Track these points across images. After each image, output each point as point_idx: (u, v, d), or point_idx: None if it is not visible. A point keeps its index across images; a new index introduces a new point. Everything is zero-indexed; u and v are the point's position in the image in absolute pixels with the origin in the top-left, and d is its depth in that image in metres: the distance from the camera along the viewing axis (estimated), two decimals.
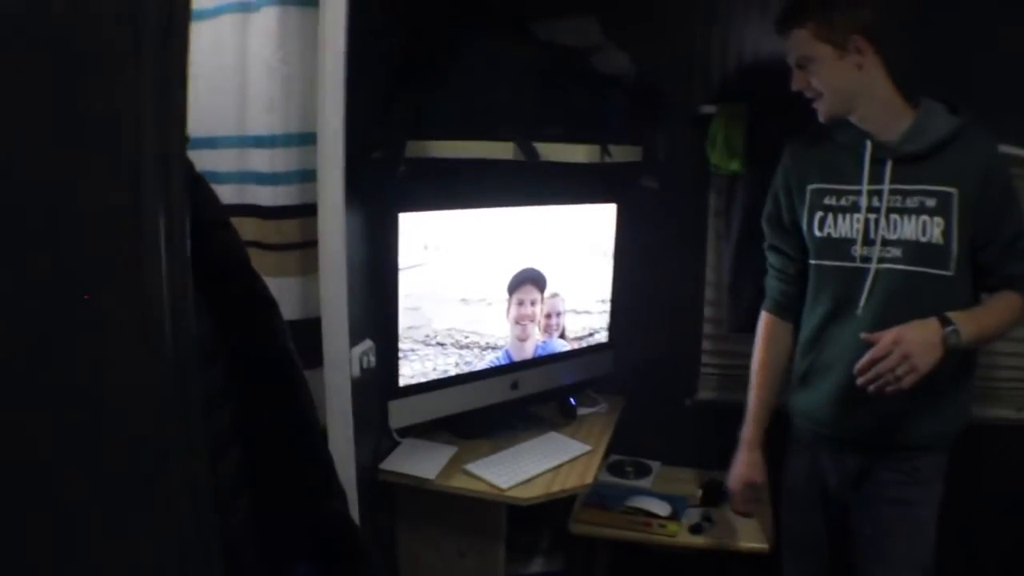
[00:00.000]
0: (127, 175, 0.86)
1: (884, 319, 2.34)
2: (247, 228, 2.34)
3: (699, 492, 3.29)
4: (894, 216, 2.39)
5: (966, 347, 2.29)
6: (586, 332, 3.34)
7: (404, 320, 2.72)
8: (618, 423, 3.29)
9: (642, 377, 3.49)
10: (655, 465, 3.52)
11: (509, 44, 2.71)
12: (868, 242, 2.42)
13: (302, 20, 2.29)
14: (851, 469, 2.56)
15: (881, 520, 2.52)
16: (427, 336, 2.81)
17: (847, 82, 2.37)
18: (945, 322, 2.24)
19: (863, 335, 2.29)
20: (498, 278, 2.97)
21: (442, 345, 2.86)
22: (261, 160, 2.36)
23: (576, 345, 3.32)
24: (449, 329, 2.87)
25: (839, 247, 2.48)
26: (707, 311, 3.52)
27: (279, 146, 2.34)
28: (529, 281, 3.04)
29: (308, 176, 2.35)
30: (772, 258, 2.73)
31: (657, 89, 3.17)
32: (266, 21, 2.29)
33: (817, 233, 2.51)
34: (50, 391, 0.87)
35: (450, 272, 2.83)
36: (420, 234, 2.69)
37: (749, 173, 3.15)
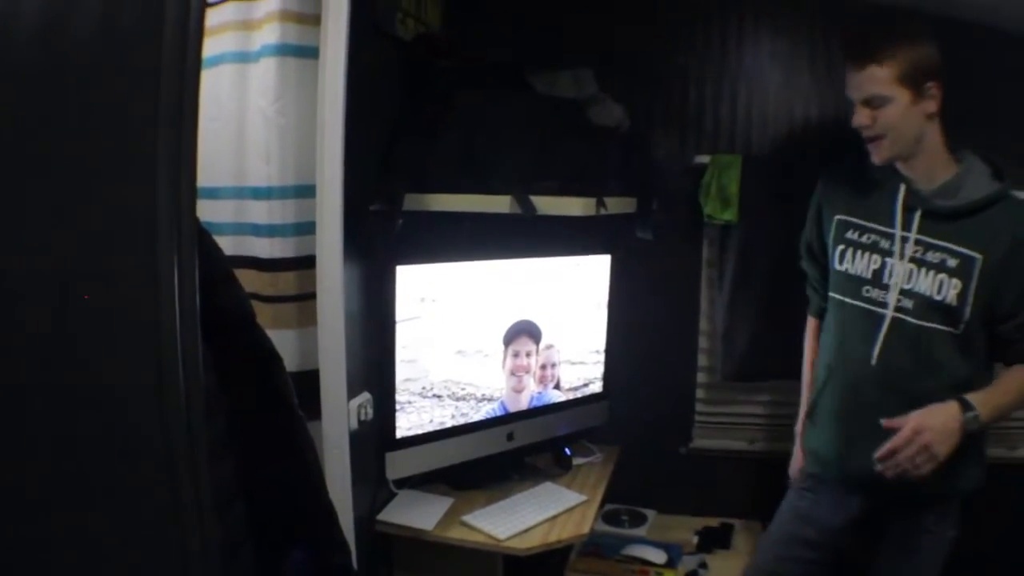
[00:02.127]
0: (143, 229, 0.87)
1: (896, 371, 2.37)
2: (245, 280, 2.32)
3: (695, 539, 3.30)
4: (912, 266, 2.35)
5: (984, 428, 2.28)
6: (581, 382, 3.34)
7: (401, 372, 2.72)
8: (613, 472, 3.28)
9: (637, 426, 3.49)
10: (650, 513, 3.51)
11: (507, 97, 2.73)
12: (881, 286, 2.40)
13: (300, 71, 2.30)
14: (855, 512, 2.55)
15: (883, 568, 2.52)
16: (424, 388, 2.81)
17: (914, 128, 2.30)
18: (965, 407, 2.21)
19: (884, 422, 2.27)
20: (494, 330, 2.97)
21: (439, 397, 2.86)
22: (259, 212, 2.37)
23: (571, 395, 3.31)
24: (445, 381, 2.87)
25: (854, 284, 2.47)
26: (701, 360, 3.53)
27: (276, 198, 2.34)
28: (524, 333, 3.04)
29: (305, 228, 2.36)
30: (808, 270, 2.75)
31: (651, 140, 3.19)
32: (264, 71, 2.30)
33: (837, 266, 2.52)
34: (64, 444, 0.87)
35: (446, 324, 2.83)
36: (417, 286, 2.70)
37: (742, 223, 3.17)
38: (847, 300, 2.49)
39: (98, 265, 0.87)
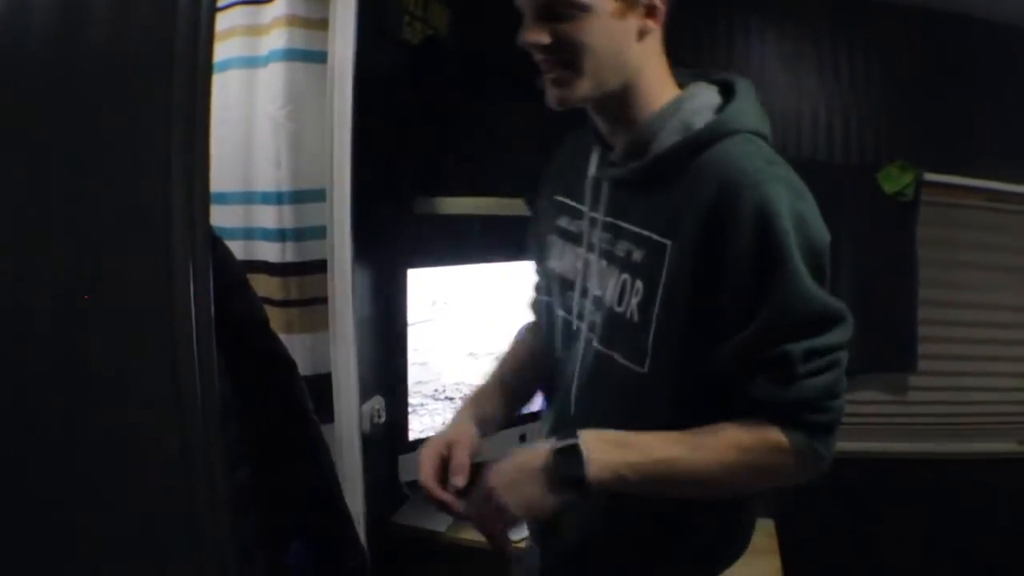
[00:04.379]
0: (157, 236, 0.87)
1: (587, 423, 1.44)
2: (256, 284, 2.33)
3: None
4: (604, 263, 1.53)
5: (604, 488, 1.37)
6: None
7: (413, 375, 2.71)
8: None
9: None
10: None
11: (515, 99, 2.72)
12: (583, 292, 1.59)
13: (308, 76, 2.30)
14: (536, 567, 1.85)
15: None
16: (436, 390, 2.80)
17: (621, 52, 1.42)
18: (564, 450, 1.38)
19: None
20: (505, 332, 2.96)
21: (451, 399, 2.85)
22: (268, 216, 2.37)
23: None
24: (457, 383, 2.86)
25: (560, 287, 1.68)
26: None
27: (286, 203, 2.34)
28: None
29: (315, 233, 2.36)
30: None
31: None
32: (273, 76, 2.30)
33: (549, 261, 1.72)
34: (79, 450, 0.87)
35: (458, 327, 2.82)
36: (428, 290, 2.69)
37: None
38: (556, 306, 1.70)
39: (112, 272, 0.87)
